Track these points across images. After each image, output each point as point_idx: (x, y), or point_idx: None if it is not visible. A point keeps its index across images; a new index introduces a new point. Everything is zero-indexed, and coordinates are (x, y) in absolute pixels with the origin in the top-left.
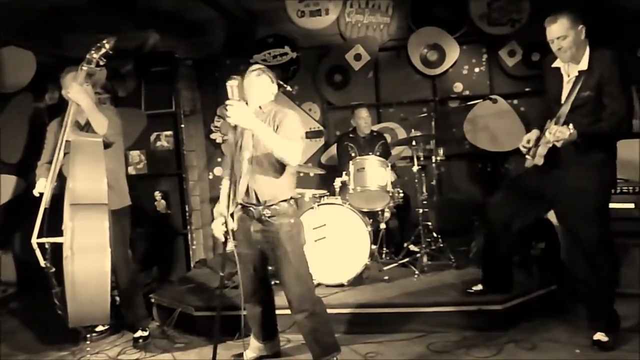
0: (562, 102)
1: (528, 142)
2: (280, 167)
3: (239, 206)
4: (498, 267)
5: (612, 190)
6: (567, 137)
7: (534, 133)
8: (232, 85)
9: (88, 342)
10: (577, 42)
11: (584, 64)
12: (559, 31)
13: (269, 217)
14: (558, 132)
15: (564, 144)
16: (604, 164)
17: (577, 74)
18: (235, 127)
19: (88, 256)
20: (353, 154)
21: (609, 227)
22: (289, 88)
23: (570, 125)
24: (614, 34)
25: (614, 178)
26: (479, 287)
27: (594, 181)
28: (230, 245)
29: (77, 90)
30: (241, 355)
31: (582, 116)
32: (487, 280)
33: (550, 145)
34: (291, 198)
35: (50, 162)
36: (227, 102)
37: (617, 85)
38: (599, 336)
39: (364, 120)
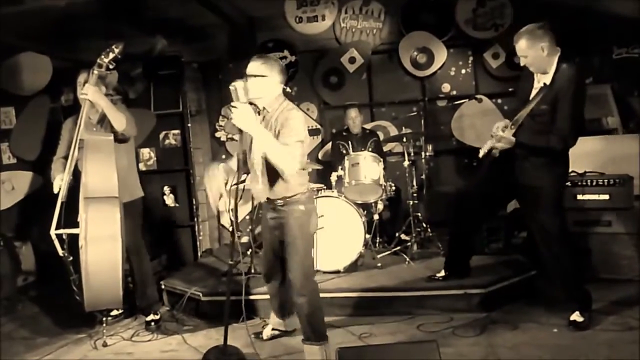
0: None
1: (497, 128)
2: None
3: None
4: (461, 256)
5: (588, 182)
6: (505, 145)
7: (504, 122)
8: (236, 87)
9: (104, 325)
10: (538, 59)
11: (549, 77)
12: (520, 51)
13: (281, 205)
14: (499, 141)
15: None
16: (556, 162)
17: (542, 84)
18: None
19: (100, 245)
20: (344, 152)
21: (564, 219)
22: (288, 89)
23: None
24: (591, 37)
25: (565, 174)
26: (442, 273)
27: (547, 179)
28: (236, 236)
29: (94, 92)
30: (260, 333)
31: (538, 124)
32: (449, 267)
33: (500, 146)
34: (302, 191)
35: (64, 158)
36: (232, 104)
37: (569, 104)
38: (575, 317)
39: (352, 120)
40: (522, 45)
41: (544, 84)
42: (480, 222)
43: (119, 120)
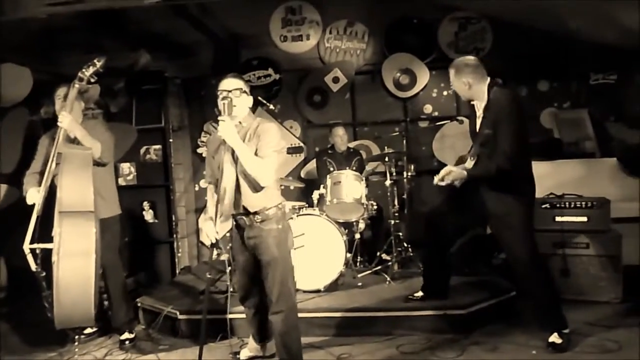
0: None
1: (442, 179)
2: None
3: (231, 216)
4: (437, 276)
5: (566, 204)
6: (454, 178)
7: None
8: (224, 102)
9: (76, 344)
10: (462, 91)
11: (484, 103)
12: (451, 80)
13: (259, 222)
14: (445, 177)
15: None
16: (519, 187)
17: (482, 112)
18: (224, 142)
19: (73, 261)
20: (331, 169)
21: (535, 244)
22: (271, 107)
23: (461, 169)
24: (568, 63)
25: (532, 199)
26: (420, 294)
27: (513, 206)
28: (215, 253)
29: (70, 122)
30: (238, 353)
31: (487, 150)
32: (427, 287)
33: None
34: (278, 204)
35: (38, 173)
36: (219, 117)
37: (508, 125)
38: (554, 338)
39: (340, 137)
40: (451, 75)
41: (483, 110)
42: (451, 241)
43: (94, 148)
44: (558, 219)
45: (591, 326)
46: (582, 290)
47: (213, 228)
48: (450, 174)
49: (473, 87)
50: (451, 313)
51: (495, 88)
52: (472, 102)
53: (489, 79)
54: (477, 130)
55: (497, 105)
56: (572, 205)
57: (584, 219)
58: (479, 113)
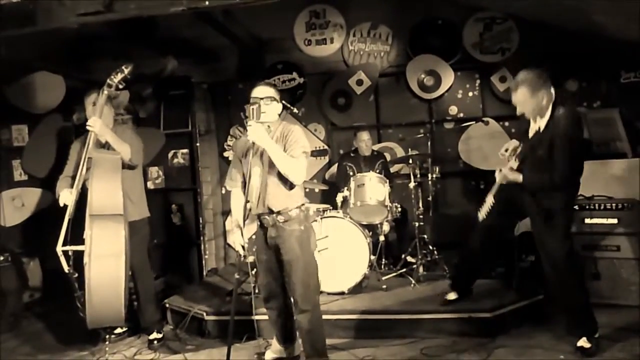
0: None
1: (506, 150)
2: (289, 180)
3: (256, 216)
4: (469, 278)
5: (596, 206)
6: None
7: (513, 143)
8: (253, 107)
9: (107, 343)
10: (537, 108)
11: (544, 121)
12: (519, 97)
13: (282, 222)
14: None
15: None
16: (568, 186)
17: (538, 127)
18: (253, 144)
19: (103, 262)
20: (351, 173)
21: (572, 243)
22: (295, 110)
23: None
24: (598, 61)
25: (575, 197)
26: (454, 295)
27: (558, 202)
28: (242, 255)
29: (101, 126)
30: (263, 354)
31: (538, 162)
32: (458, 289)
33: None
34: (302, 205)
35: (70, 177)
36: (247, 122)
37: (566, 147)
38: (582, 342)
39: (364, 142)
40: (522, 95)
41: (539, 127)
42: (500, 252)
43: (124, 151)
44: (588, 220)
45: (621, 330)
46: (612, 294)
47: (241, 238)
48: (510, 175)
49: (547, 101)
50: (477, 316)
51: (561, 108)
52: (527, 115)
53: (554, 95)
54: (530, 137)
55: (560, 128)
56: (602, 207)
57: (615, 220)
58: (535, 125)
